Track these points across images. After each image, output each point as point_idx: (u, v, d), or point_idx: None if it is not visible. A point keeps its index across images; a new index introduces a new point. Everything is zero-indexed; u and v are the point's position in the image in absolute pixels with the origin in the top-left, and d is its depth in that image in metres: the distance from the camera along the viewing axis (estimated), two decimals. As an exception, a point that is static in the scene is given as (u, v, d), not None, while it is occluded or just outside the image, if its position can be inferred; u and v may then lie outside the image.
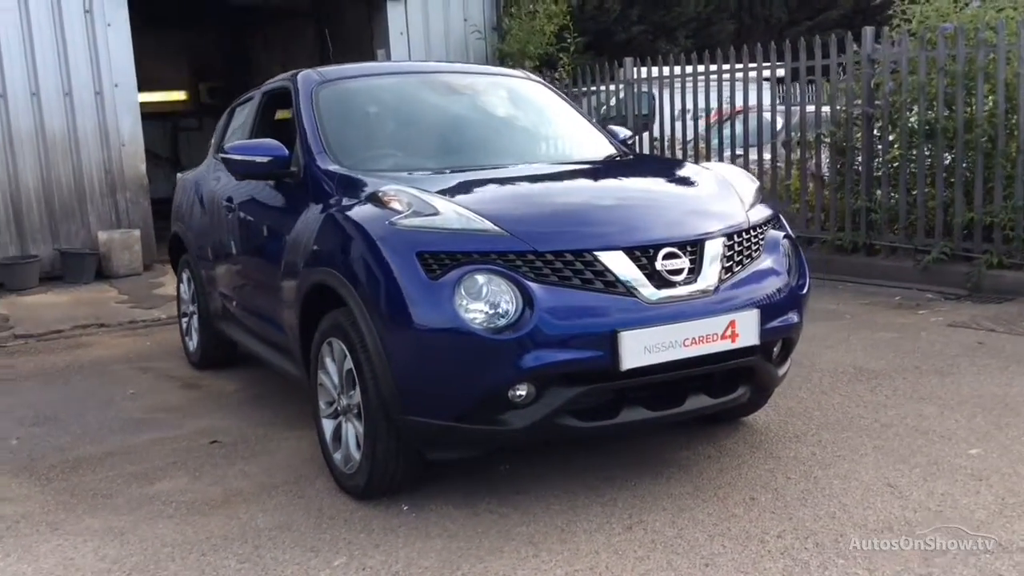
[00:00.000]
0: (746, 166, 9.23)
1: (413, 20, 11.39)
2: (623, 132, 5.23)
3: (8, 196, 9.34)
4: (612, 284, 3.38)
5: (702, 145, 9.63)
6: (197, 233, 5.89)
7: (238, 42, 17.76)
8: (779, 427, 4.46)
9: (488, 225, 3.44)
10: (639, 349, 3.33)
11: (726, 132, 9.79)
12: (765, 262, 3.76)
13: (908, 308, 6.97)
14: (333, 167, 4.23)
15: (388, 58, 11.38)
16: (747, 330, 3.53)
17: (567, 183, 4.16)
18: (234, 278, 5.25)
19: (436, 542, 3.40)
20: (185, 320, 6.41)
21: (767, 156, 9.17)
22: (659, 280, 3.44)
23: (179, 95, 17.88)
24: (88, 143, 9.64)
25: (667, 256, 3.48)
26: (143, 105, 15.90)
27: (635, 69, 10.31)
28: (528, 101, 5.16)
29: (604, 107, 10.86)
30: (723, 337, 3.47)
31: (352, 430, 3.77)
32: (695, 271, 3.53)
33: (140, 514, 3.79)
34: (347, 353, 3.66)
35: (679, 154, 9.70)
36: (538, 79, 5.42)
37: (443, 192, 3.74)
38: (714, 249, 3.59)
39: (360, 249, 3.56)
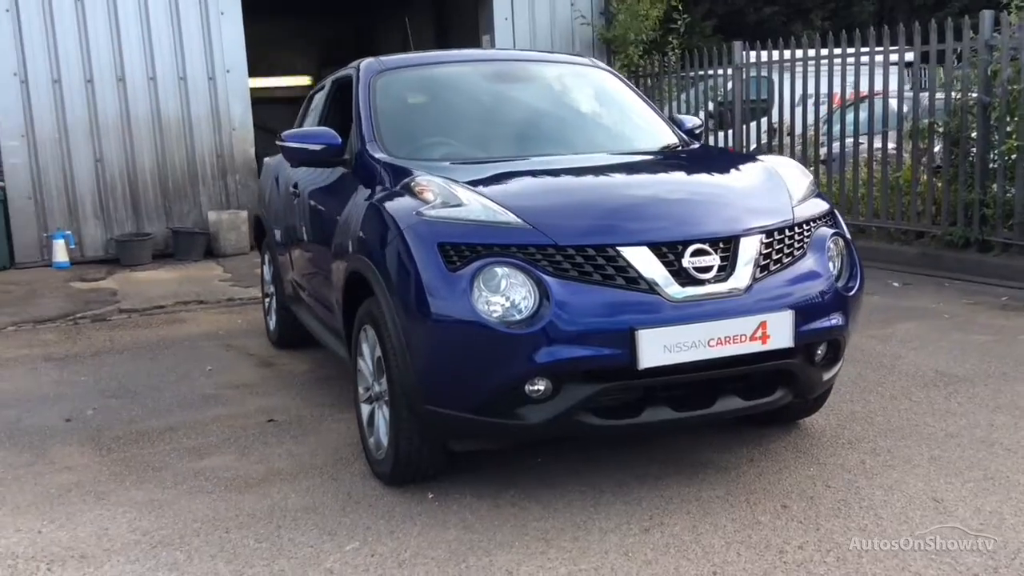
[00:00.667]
0: (868, 155, 8.88)
1: (519, 6, 11.38)
2: (691, 121, 5.09)
3: (126, 177, 9.81)
4: (634, 280, 3.30)
5: (818, 133, 9.31)
6: (273, 217, 6.06)
7: (365, 27, 18.12)
8: (834, 432, 4.28)
9: (511, 218, 3.41)
10: (659, 348, 3.24)
11: (849, 118, 9.42)
12: (807, 261, 3.60)
13: (1014, 310, 6.57)
14: (382, 155, 4.27)
15: (492, 44, 11.41)
16: (780, 332, 3.39)
17: (605, 176, 4.06)
18: (300, 262, 5.38)
19: (451, 532, 3.40)
20: (267, 300, 6.61)
21: (889, 145, 8.79)
22: (686, 278, 3.34)
23: (307, 80, 18.37)
24: (201, 127, 10.03)
25: (695, 253, 3.37)
26: (272, 90, 16.50)
27: (747, 53, 10.02)
28: (590, 90, 5.08)
29: (718, 92, 10.56)
30: (753, 338, 3.35)
31: (382, 417, 3.81)
32: (728, 269, 3.41)
33: (182, 488, 3.93)
34: (377, 341, 3.70)
35: (796, 143, 9.41)
36: (606, 67, 5.32)
37: (477, 182, 3.72)
38: (750, 247, 3.46)
39: (387, 238, 3.59)
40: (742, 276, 3.40)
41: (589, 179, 4.01)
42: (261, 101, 17.83)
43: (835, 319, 3.60)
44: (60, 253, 9.48)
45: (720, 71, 10.33)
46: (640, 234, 3.38)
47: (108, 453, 4.41)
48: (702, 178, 4.09)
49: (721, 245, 3.43)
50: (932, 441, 4.12)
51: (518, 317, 3.25)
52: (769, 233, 3.54)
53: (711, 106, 10.61)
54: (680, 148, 4.67)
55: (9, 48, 9.20)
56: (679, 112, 11.15)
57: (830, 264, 3.66)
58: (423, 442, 3.61)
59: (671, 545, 3.24)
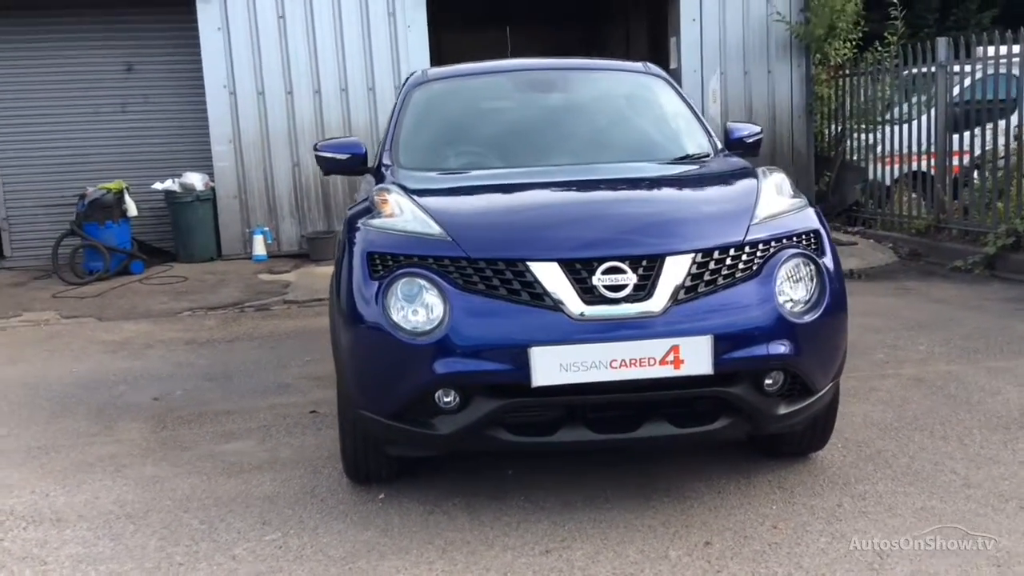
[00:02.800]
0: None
1: (707, 6, 11.07)
2: (745, 130, 4.85)
3: (319, 180, 10.59)
4: (539, 297, 3.26)
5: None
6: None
7: (590, 35, 18.28)
8: (837, 469, 3.97)
9: (435, 229, 3.47)
10: (554, 367, 3.19)
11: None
12: (750, 284, 3.37)
13: None
14: (390, 165, 4.44)
15: (678, 48, 11.19)
16: (696, 357, 3.22)
17: (565, 191, 4.01)
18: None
19: (367, 534, 3.52)
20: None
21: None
22: (597, 296, 3.25)
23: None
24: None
25: (608, 271, 3.26)
26: None
27: (983, 48, 9.13)
28: (628, 98, 4.99)
29: (955, 91, 9.59)
30: (663, 363, 3.20)
31: (346, 418, 3.98)
32: (647, 289, 3.27)
33: (185, 469, 4.30)
34: (337, 345, 3.88)
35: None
36: (659, 73, 5.16)
37: (434, 193, 3.81)
38: (676, 267, 3.30)
39: (340, 245, 3.76)
40: (660, 297, 3.26)
41: (543, 193, 3.98)
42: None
43: (778, 348, 3.34)
44: (259, 247, 10.41)
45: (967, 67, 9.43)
46: (552, 250, 3.33)
47: (159, 431, 4.88)
48: (663, 194, 3.95)
49: (644, 263, 3.30)
50: (939, 491, 3.71)
51: (424, 328, 3.31)
52: (706, 253, 3.35)
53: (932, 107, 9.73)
54: (695, 159, 4.47)
55: (220, 63, 10.22)
56: (889, 115, 10.44)
57: (781, 288, 3.40)
58: (363, 445, 3.74)
59: (555, 570, 3.17)
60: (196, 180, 10.21)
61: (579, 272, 3.28)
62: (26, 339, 7.38)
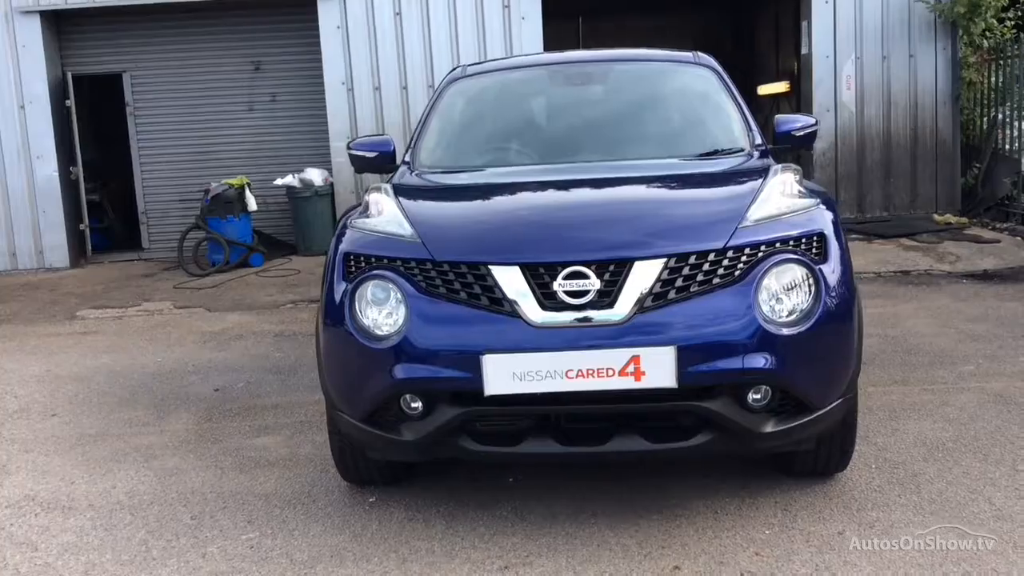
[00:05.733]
0: None
1: (843, -13, 10.45)
2: (796, 122, 4.51)
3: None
4: (499, 302, 3.13)
5: None
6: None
7: (743, 21, 17.66)
8: (858, 493, 3.66)
9: (408, 231, 3.39)
10: (507, 375, 3.05)
11: None
12: (727, 292, 3.11)
13: None
14: (411, 162, 4.39)
15: (809, 32, 10.61)
16: (658, 369, 3.01)
17: (553, 191, 3.84)
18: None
19: (339, 538, 3.50)
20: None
21: None
22: (557, 302, 3.09)
23: (680, 74, 18.34)
24: (500, 126, 10.59)
25: (571, 276, 3.09)
26: None
27: None
28: (670, 91, 4.73)
29: None
30: (623, 373, 3.01)
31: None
32: (612, 295, 3.08)
33: (209, 462, 4.39)
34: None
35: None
36: (708, 63, 4.84)
37: (419, 194, 3.74)
38: (645, 273, 3.09)
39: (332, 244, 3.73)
40: (623, 304, 3.07)
41: (527, 195, 3.83)
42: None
43: (757, 361, 3.07)
44: (375, 241, 10.65)
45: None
46: (515, 254, 3.19)
47: (203, 423, 5.02)
48: (651, 195, 3.71)
49: (612, 269, 3.10)
50: (963, 523, 3.33)
51: (385, 331, 3.25)
52: (681, 258, 3.12)
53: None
54: (723, 155, 4.18)
55: (339, 61, 10.46)
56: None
57: (765, 296, 3.12)
58: (348, 446, 3.70)
59: (503, 588, 3.05)
60: (315, 176, 10.50)
61: (542, 277, 3.12)
62: (134, 328, 7.78)
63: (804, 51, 10.80)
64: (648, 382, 3.01)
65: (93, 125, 12.19)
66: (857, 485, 3.70)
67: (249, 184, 10.29)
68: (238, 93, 11.07)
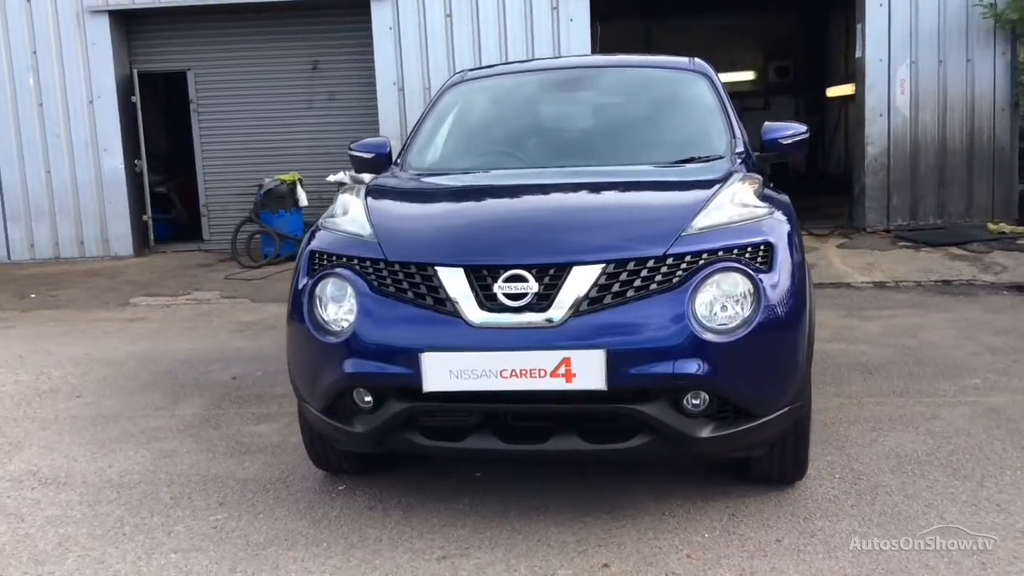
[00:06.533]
0: None
1: (898, -10, 10.25)
2: (783, 130, 4.52)
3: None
4: (442, 302, 3.25)
5: None
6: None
7: (812, 22, 17.39)
8: (807, 503, 3.65)
9: (367, 231, 3.54)
10: (444, 373, 3.17)
11: None
12: (662, 298, 3.17)
13: None
14: (400, 164, 4.54)
15: (863, 34, 10.44)
16: (588, 372, 3.09)
17: (513, 196, 3.94)
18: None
19: (298, 523, 3.66)
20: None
21: None
22: (497, 304, 3.19)
23: (747, 75, 18.15)
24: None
25: (511, 279, 3.19)
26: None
27: None
28: (660, 97, 4.77)
29: None
30: (555, 375, 3.10)
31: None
32: (549, 298, 3.17)
33: (204, 446, 4.60)
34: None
35: None
36: (703, 69, 4.87)
37: (389, 195, 3.89)
38: (582, 277, 3.18)
39: (305, 241, 3.90)
40: (559, 308, 3.16)
41: (487, 199, 3.94)
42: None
43: (688, 367, 3.13)
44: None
45: None
46: (460, 256, 3.30)
47: (211, 409, 5.25)
48: (601, 202, 3.79)
49: (551, 272, 3.20)
50: (907, 536, 3.33)
51: (338, 327, 3.39)
52: (620, 264, 3.20)
53: None
54: (698, 162, 4.20)
55: (391, 61, 10.69)
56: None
57: (700, 304, 3.17)
58: (315, 435, 3.86)
59: (428, 574, 3.17)
60: (366, 174, 10.71)
61: (484, 279, 3.23)
62: (180, 316, 8.12)
63: (858, 54, 10.63)
64: (578, 384, 3.09)
65: (165, 120, 12.70)
66: (813, 494, 3.72)
67: (301, 180, 10.59)
68: (297, 91, 11.39)
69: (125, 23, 11.30)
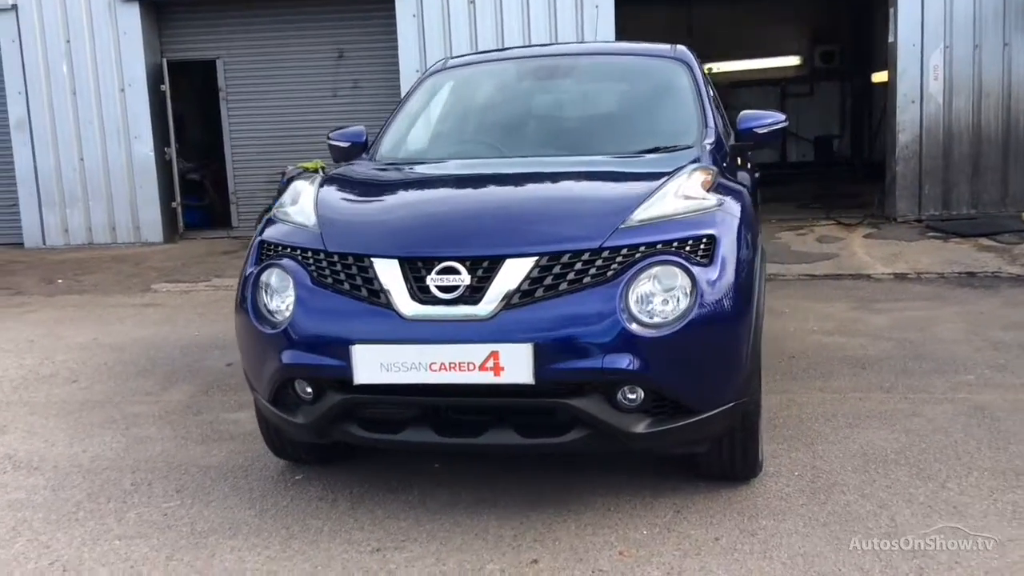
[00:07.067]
0: None
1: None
2: (759, 120, 4.41)
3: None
4: (376, 294, 3.24)
5: None
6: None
7: (862, 5, 16.98)
8: (756, 500, 3.58)
9: (312, 221, 3.54)
10: (375, 365, 3.16)
11: None
12: (596, 292, 3.12)
13: None
14: (369, 153, 4.54)
15: (895, 20, 10.16)
16: (516, 365, 3.06)
17: (459, 187, 3.94)
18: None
19: (245, 512, 3.68)
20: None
21: None
22: (429, 296, 3.17)
23: (792, 60, 17.80)
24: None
25: (444, 271, 3.17)
26: (758, 72, 16.85)
27: None
28: (636, 85, 4.70)
29: None
30: (483, 368, 3.08)
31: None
32: (481, 291, 3.14)
33: (179, 432, 4.66)
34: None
35: None
36: (683, 57, 4.77)
37: (343, 185, 3.89)
38: (515, 269, 3.14)
39: (261, 230, 3.91)
40: (490, 301, 3.13)
41: (433, 190, 3.95)
42: (743, 84, 17.84)
43: (618, 361, 3.07)
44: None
45: None
46: (396, 248, 3.29)
47: (198, 395, 5.31)
48: (544, 192, 3.74)
49: (485, 265, 3.17)
50: (847, 537, 3.25)
51: (278, 318, 3.41)
52: (553, 257, 3.15)
53: None
54: (663, 152, 4.11)
55: (414, 49, 10.70)
56: None
57: (632, 297, 3.11)
58: (269, 424, 3.87)
59: (362, 569, 3.18)
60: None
61: (419, 271, 3.21)
62: (195, 302, 8.24)
63: (890, 39, 10.36)
64: (506, 377, 3.06)
65: (200, 108, 12.87)
66: (766, 491, 3.64)
67: (324, 168, 10.63)
68: (323, 80, 11.47)
69: (155, 12, 11.47)
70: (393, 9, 10.77)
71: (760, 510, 3.48)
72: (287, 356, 3.33)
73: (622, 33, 10.69)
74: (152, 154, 11.35)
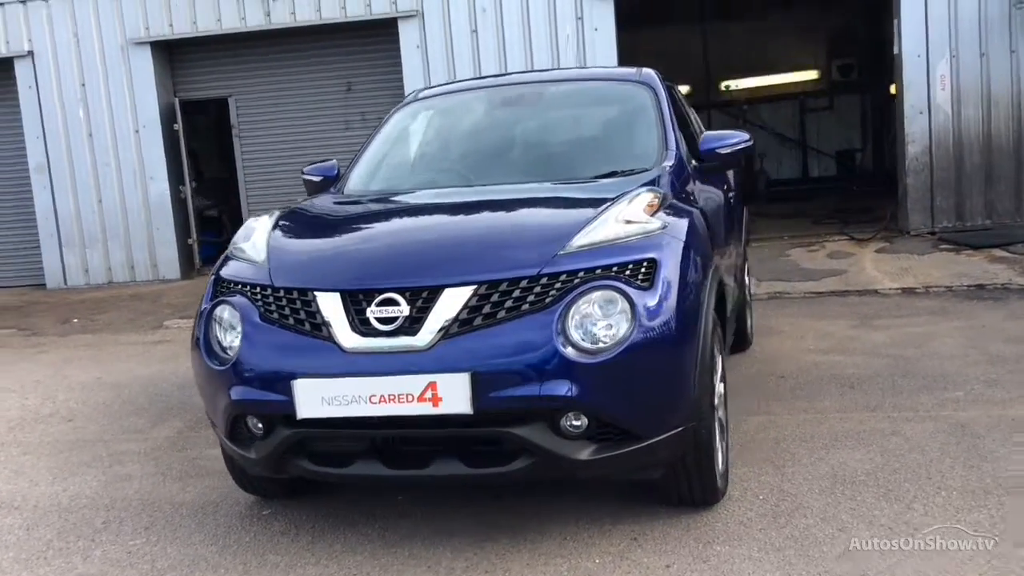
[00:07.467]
0: None
1: (936, -11, 9.86)
2: (721, 140, 4.42)
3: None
4: (319, 327, 3.27)
5: None
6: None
7: (876, 16, 16.87)
8: (715, 526, 3.53)
9: (261, 256, 3.59)
10: (316, 399, 3.18)
11: None
12: (533, 319, 3.12)
13: None
14: (336, 187, 4.60)
15: (899, 31, 10.08)
16: (454, 395, 3.07)
17: (406, 218, 3.99)
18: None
19: (206, 549, 3.71)
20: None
21: None
22: (369, 328, 3.19)
23: (809, 74, 17.72)
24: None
25: (383, 303, 3.19)
26: (765, 88, 16.82)
27: None
28: (598, 112, 4.71)
29: None
30: (422, 399, 3.09)
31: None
32: (421, 321, 3.16)
33: (161, 469, 4.70)
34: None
35: None
36: (648, 80, 4.75)
37: (298, 220, 3.95)
38: (454, 299, 3.15)
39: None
40: (428, 331, 3.14)
41: (379, 223, 4.01)
42: (761, 100, 17.78)
43: (557, 388, 3.07)
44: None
45: None
46: (338, 281, 3.32)
47: (185, 432, 5.36)
48: (489, 221, 3.76)
49: (425, 295, 3.18)
50: (798, 563, 3.19)
51: (227, 354, 3.44)
52: (492, 285, 3.16)
53: None
54: (620, 176, 4.10)
55: (418, 78, 10.69)
56: None
57: (570, 324, 3.10)
58: (230, 459, 3.90)
59: (310, 603, 3.18)
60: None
61: (360, 303, 3.23)
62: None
63: (895, 50, 10.27)
64: (445, 408, 3.06)
65: (218, 145, 13.08)
66: (726, 516, 3.60)
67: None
68: (333, 113, 11.60)
69: (167, 53, 11.69)
70: (397, 41, 10.88)
71: (717, 536, 3.44)
72: (235, 392, 3.36)
73: (635, 54, 10.69)
74: (168, 193, 11.54)
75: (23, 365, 7.68)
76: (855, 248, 10.11)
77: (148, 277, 11.71)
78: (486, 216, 3.83)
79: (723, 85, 17.98)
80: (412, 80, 10.83)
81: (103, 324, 9.44)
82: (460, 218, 3.86)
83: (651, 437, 3.22)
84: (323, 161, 4.99)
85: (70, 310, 10.35)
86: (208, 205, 12.64)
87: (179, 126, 11.65)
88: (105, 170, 11.57)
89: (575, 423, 3.14)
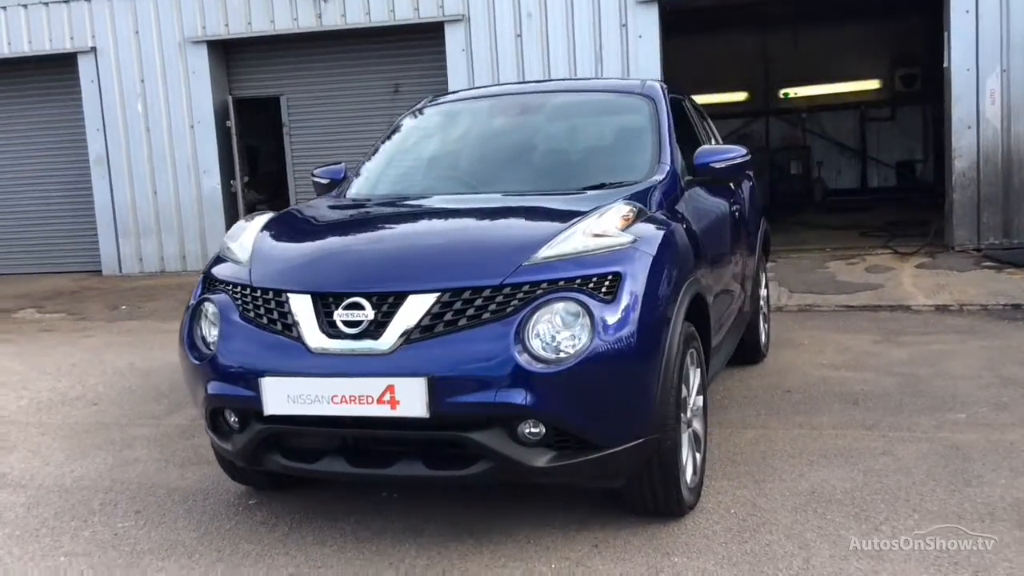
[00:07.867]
0: None
1: (984, -1, 9.67)
2: (716, 155, 4.44)
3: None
4: (289, 328, 3.38)
5: None
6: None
7: (940, 26, 16.53)
8: (679, 537, 3.56)
9: (245, 257, 3.72)
10: (282, 397, 3.30)
11: None
12: (492, 327, 3.19)
13: None
14: (341, 189, 4.72)
15: (948, 43, 9.89)
16: (411, 399, 3.15)
17: (386, 225, 4.07)
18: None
19: (187, 535, 3.85)
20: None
21: None
22: (335, 330, 3.30)
23: (871, 84, 17.42)
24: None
25: (350, 306, 3.29)
26: (828, 96, 16.69)
27: None
28: (598, 123, 4.75)
29: None
30: (380, 402, 3.18)
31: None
32: (385, 326, 3.26)
33: (166, 455, 4.88)
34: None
35: None
36: (650, 92, 4.75)
37: (289, 221, 4.07)
38: (417, 305, 3.24)
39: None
40: (390, 335, 3.23)
41: (361, 228, 4.10)
42: (822, 108, 17.54)
43: (512, 396, 3.13)
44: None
45: None
46: (309, 283, 3.43)
47: (196, 419, 5.39)
48: (461, 229, 3.84)
49: (391, 300, 3.28)
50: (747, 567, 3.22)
51: (207, 350, 3.58)
52: (455, 293, 3.24)
53: None
54: (608, 188, 4.13)
55: (463, 82, 10.89)
56: None
57: (528, 333, 3.17)
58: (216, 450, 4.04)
59: (270, 592, 3.29)
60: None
61: (330, 306, 3.33)
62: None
63: (945, 64, 10.07)
64: (402, 411, 3.15)
65: (274, 141, 13.37)
66: (691, 528, 3.62)
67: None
68: (380, 113, 11.77)
69: (223, 52, 12.01)
70: (443, 44, 11.01)
71: (678, 547, 3.47)
72: (211, 387, 3.49)
73: (687, 61, 10.70)
74: (219, 187, 11.85)
75: (64, 349, 7.97)
76: (896, 262, 9.95)
77: (199, 267, 11.98)
78: (459, 225, 3.92)
79: (782, 92, 17.78)
80: (457, 83, 10.97)
81: (149, 311, 9.73)
82: (434, 226, 3.95)
83: (610, 447, 3.26)
84: (334, 164, 5.10)
85: (120, 297, 10.69)
86: (260, 199, 12.93)
87: (232, 123, 11.95)
88: (161, 163, 11.93)
89: (533, 430, 3.20)
